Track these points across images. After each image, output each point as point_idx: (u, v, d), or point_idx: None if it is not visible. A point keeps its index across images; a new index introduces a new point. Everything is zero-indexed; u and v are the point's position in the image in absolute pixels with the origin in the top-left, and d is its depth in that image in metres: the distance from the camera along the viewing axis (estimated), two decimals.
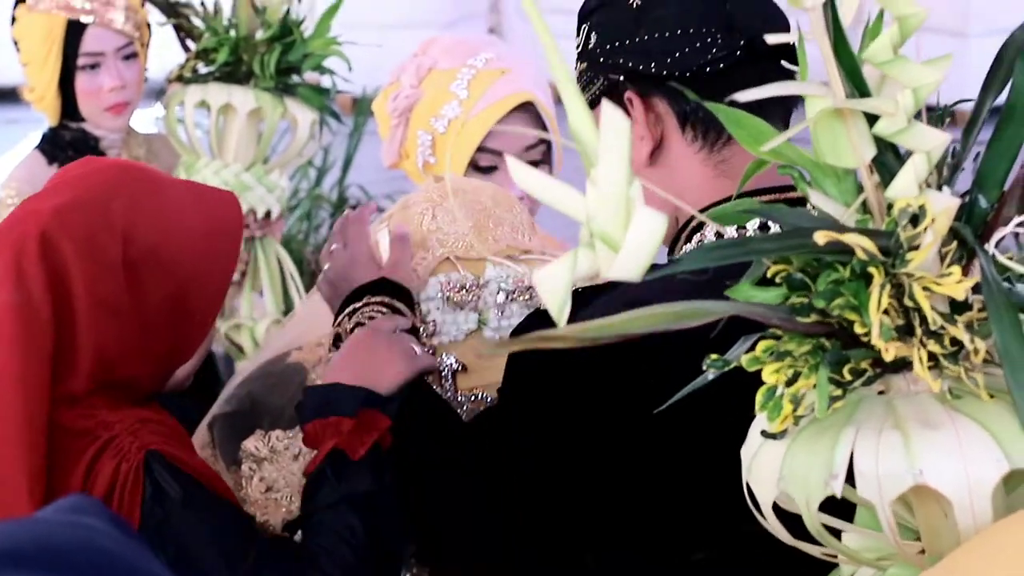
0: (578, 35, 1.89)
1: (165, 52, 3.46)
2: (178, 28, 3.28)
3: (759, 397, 1.24)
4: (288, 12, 3.23)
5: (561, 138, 2.11)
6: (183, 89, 3.24)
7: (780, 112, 1.82)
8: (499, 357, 1.99)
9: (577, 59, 1.89)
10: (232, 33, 3.21)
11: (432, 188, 2.13)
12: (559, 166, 2.57)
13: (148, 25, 3.27)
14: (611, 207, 1.11)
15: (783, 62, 1.81)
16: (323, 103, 3.28)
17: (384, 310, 1.97)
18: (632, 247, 1.10)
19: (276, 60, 3.19)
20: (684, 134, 1.82)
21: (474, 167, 2.47)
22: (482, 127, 2.47)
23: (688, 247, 1.82)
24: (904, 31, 1.20)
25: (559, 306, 1.11)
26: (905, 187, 1.19)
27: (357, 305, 1.98)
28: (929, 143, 1.19)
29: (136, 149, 3.33)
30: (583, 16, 1.89)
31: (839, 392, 1.21)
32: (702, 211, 1.80)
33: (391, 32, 7.57)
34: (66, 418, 1.90)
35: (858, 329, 1.19)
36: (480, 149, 2.48)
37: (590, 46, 1.85)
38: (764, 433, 1.25)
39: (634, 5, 1.82)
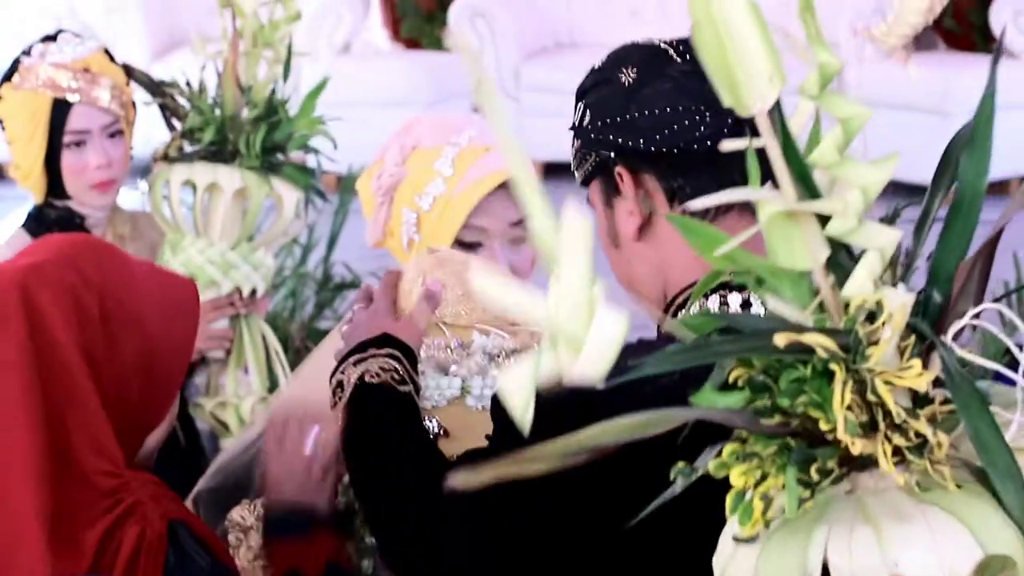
0: (575, 113, 1.93)
1: (149, 130, 3.48)
2: (163, 107, 3.29)
3: (729, 501, 1.25)
4: (274, 91, 3.25)
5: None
6: (169, 168, 3.25)
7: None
8: (484, 425, 2.01)
9: (573, 137, 1.92)
10: (218, 112, 3.22)
11: (423, 258, 2.15)
12: None
13: (133, 104, 3.29)
14: (573, 307, 1.12)
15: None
16: (308, 182, 3.29)
17: (391, 364, 1.97)
18: (593, 350, 1.11)
19: (262, 139, 3.20)
20: (673, 209, 1.84)
21: (459, 243, 2.48)
22: (467, 203, 2.49)
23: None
24: (847, 133, 1.22)
25: (522, 410, 1.12)
26: (860, 285, 1.22)
27: (363, 356, 1.98)
28: (880, 241, 1.21)
29: (121, 227, 3.33)
30: (580, 94, 1.93)
31: (807, 493, 1.22)
32: (691, 285, 1.82)
33: (374, 111, 7.63)
34: (94, 468, 1.93)
35: (823, 426, 1.21)
36: (465, 226, 2.50)
37: (584, 123, 1.89)
38: (736, 538, 1.26)
39: (626, 83, 1.86)
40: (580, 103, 1.92)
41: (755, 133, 1.79)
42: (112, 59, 3.26)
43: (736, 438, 1.26)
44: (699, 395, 1.26)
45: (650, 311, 1.92)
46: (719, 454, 1.26)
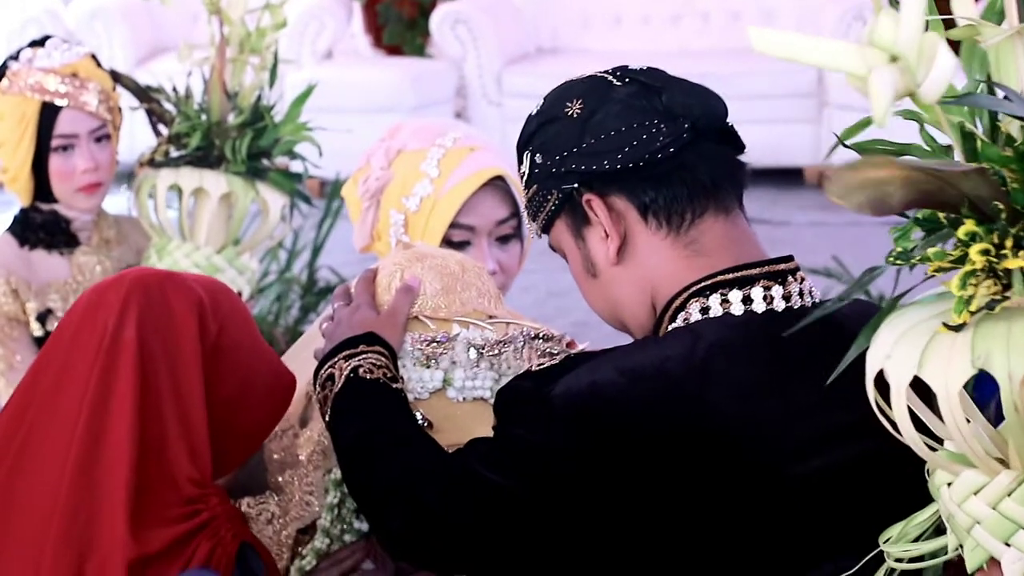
0: (520, 165, 1.96)
1: (136, 135, 3.50)
2: (150, 112, 3.31)
3: (957, 281, 1.41)
4: (259, 98, 3.27)
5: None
6: (155, 172, 3.26)
7: (735, 192, 1.89)
8: (465, 417, 2.03)
9: (525, 187, 1.95)
10: (204, 118, 3.24)
11: (401, 254, 2.17)
12: (530, 240, 2.61)
13: (120, 109, 3.30)
14: (914, 41, 1.33)
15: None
16: (294, 188, 3.31)
17: (383, 360, 2.00)
18: (937, 75, 1.33)
19: (248, 145, 3.22)
20: (647, 224, 1.87)
21: (447, 242, 2.51)
22: (455, 202, 2.52)
23: (674, 326, 1.86)
24: None
25: (885, 107, 1.31)
26: None
27: (354, 351, 2.00)
28: None
29: (107, 231, 3.35)
30: (522, 145, 1.96)
31: None
32: (686, 289, 1.85)
33: (356, 117, 7.64)
34: (185, 472, 1.96)
35: None
36: (453, 225, 2.53)
37: (536, 168, 1.91)
38: (947, 325, 1.43)
39: (573, 115, 1.89)
40: (525, 151, 1.94)
41: (712, 132, 1.86)
42: (99, 64, 3.28)
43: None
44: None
45: (634, 336, 1.94)
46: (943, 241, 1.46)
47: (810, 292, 1.87)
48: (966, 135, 1.46)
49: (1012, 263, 1.39)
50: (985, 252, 1.40)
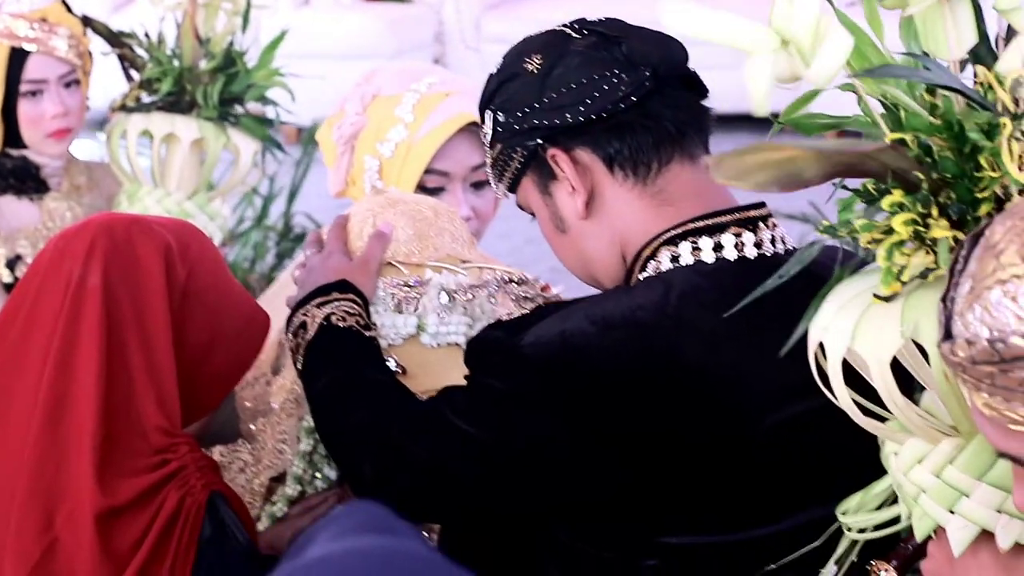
0: (485, 124, 1.94)
1: (107, 82, 3.48)
2: (121, 58, 3.30)
3: (883, 251, 1.40)
4: (232, 43, 3.26)
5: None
6: (126, 118, 3.26)
7: (700, 138, 1.87)
8: (439, 362, 2.02)
9: (489, 147, 1.93)
10: (176, 63, 3.23)
11: (374, 200, 2.16)
12: None
13: (90, 54, 3.29)
14: (807, 23, 1.29)
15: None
16: (266, 134, 3.31)
17: (356, 308, 1.99)
18: (825, 60, 1.30)
19: (219, 90, 3.22)
20: (614, 176, 1.86)
21: (421, 188, 2.50)
22: (429, 148, 2.51)
23: (645, 275, 1.84)
24: None
25: (762, 95, 1.31)
26: (1012, 62, 1.39)
27: (327, 299, 1.99)
28: None
29: (77, 177, 3.34)
30: (484, 104, 1.94)
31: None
32: (656, 238, 1.83)
33: (334, 63, 7.60)
34: (153, 421, 1.94)
35: (989, 172, 1.37)
36: (427, 171, 2.52)
37: (499, 127, 1.89)
38: (877, 296, 1.42)
39: (534, 71, 1.87)
40: (487, 111, 1.93)
41: (674, 78, 1.84)
42: (69, 9, 3.27)
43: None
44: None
45: (605, 287, 1.94)
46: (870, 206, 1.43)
47: (782, 239, 1.87)
48: (887, 107, 1.43)
49: (937, 232, 1.38)
50: (913, 222, 1.39)
